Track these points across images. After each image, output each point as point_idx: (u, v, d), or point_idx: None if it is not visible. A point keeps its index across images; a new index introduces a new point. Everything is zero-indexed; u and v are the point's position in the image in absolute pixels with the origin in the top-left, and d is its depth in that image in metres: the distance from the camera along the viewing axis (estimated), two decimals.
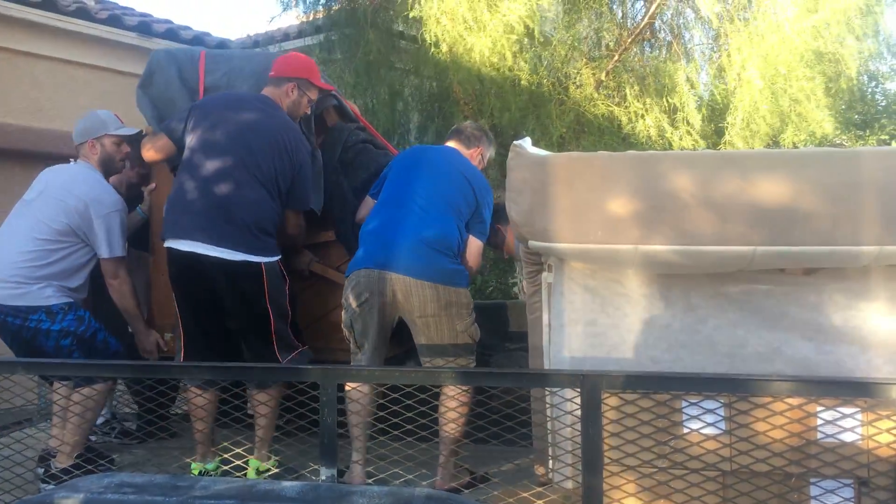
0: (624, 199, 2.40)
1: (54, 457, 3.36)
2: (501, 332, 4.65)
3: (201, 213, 3.21)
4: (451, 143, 3.65)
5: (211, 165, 3.26)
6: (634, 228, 2.39)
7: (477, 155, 3.64)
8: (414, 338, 3.27)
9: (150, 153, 3.55)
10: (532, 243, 2.51)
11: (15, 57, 6.56)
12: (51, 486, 3.16)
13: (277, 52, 4.65)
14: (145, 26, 7.28)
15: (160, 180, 3.94)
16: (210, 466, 3.28)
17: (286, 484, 2.44)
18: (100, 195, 3.55)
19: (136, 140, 3.80)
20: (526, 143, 2.61)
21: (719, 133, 7.10)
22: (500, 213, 3.88)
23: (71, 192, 3.51)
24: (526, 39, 6.77)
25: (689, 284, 2.58)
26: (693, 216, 2.35)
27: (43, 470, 3.35)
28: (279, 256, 3.33)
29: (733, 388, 2.19)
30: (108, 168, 3.75)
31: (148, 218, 3.97)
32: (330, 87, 3.80)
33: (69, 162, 3.74)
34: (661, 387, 2.26)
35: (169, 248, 3.27)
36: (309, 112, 3.68)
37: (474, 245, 3.42)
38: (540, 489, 2.50)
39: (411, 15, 6.81)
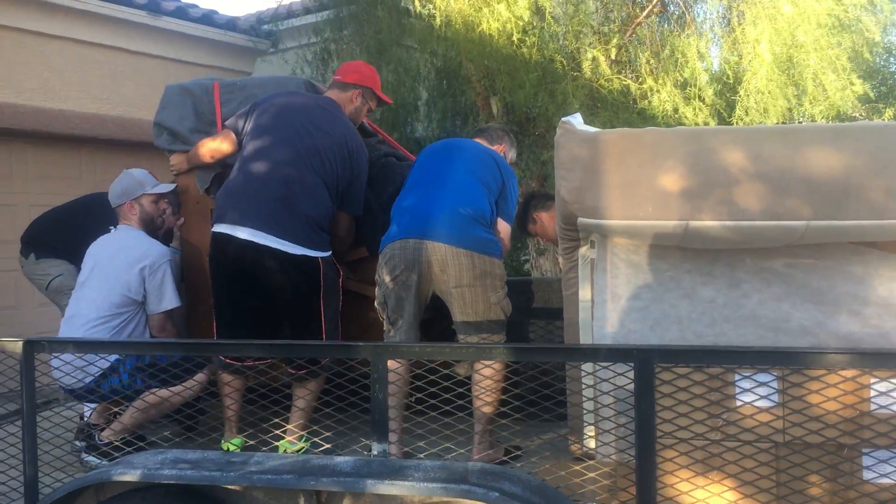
0: (674, 175, 2.41)
1: (97, 429, 3.37)
2: (525, 309, 4.68)
3: (264, 203, 3.22)
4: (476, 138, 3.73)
5: (276, 158, 3.27)
6: (685, 204, 2.41)
7: (500, 152, 3.70)
8: (451, 313, 3.30)
9: (214, 151, 3.55)
10: (581, 220, 2.52)
11: (25, 37, 6.51)
12: (99, 460, 3.20)
13: (288, 77, 4.61)
14: (154, 4, 7.23)
15: (189, 215, 3.90)
16: (236, 442, 3.31)
17: (340, 459, 2.47)
18: (146, 252, 3.55)
19: (172, 194, 3.84)
20: (575, 119, 2.61)
21: (732, 106, 7.11)
22: (537, 201, 3.89)
23: (119, 260, 3.52)
24: (535, 18, 6.76)
25: (733, 259, 2.60)
26: (744, 191, 2.37)
27: (84, 443, 3.38)
28: (331, 252, 3.36)
29: (788, 362, 2.21)
30: (148, 226, 3.75)
31: (180, 253, 3.93)
32: (388, 101, 3.84)
33: (109, 230, 3.73)
34: (714, 360, 2.28)
35: (221, 233, 3.26)
36: (365, 121, 3.73)
37: (504, 227, 3.44)
38: (591, 461, 2.53)
39: None
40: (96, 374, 3.33)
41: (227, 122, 3.57)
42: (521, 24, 6.49)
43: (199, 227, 3.78)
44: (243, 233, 3.20)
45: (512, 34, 6.56)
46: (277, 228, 3.19)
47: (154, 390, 3.24)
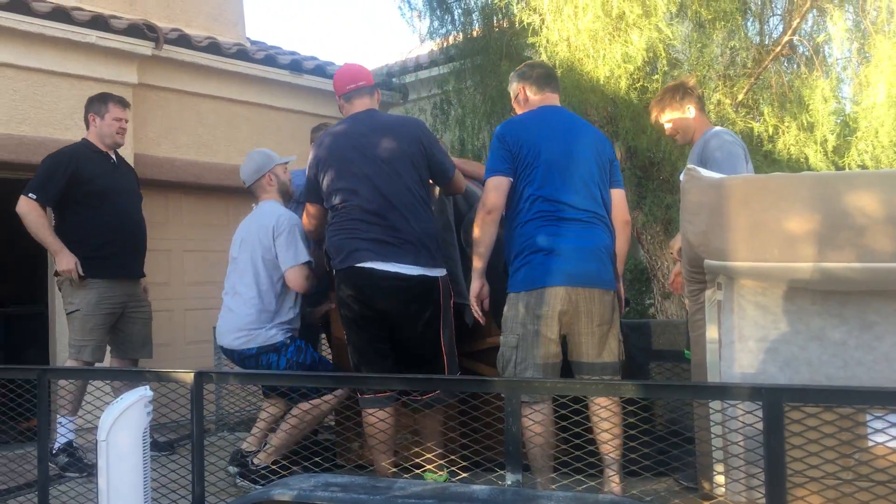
0: (801, 218, 2.48)
1: (252, 455, 3.68)
2: (647, 350, 4.73)
3: (373, 236, 3.41)
4: (550, 94, 3.55)
5: (364, 196, 3.45)
6: (812, 246, 2.47)
7: None
8: (574, 356, 3.32)
9: (313, 224, 3.79)
10: (708, 262, 2.62)
11: (183, 97, 7.15)
12: (256, 486, 3.48)
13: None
14: (296, 64, 7.78)
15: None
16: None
17: (476, 487, 2.62)
18: (278, 217, 3.90)
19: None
20: (699, 167, 2.73)
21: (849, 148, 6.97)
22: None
23: (258, 230, 3.91)
24: (650, 64, 6.84)
25: (864, 301, 2.62)
26: (872, 233, 2.41)
27: (237, 469, 3.69)
28: (446, 272, 3.56)
29: None
30: (285, 195, 4.15)
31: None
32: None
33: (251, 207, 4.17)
34: (844, 400, 2.31)
35: (341, 270, 3.47)
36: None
37: (619, 196, 3.46)
38: (720, 498, 2.58)
39: (530, 41, 7.01)
40: (259, 346, 3.76)
41: (304, 198, 3.81)
42: (630, 68, 6.58)
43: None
44: (362, 264, 3.40)
45: (636, 80, 6.66)
46: (392, 255, 3.38)
47: (301, 407, 3.57)
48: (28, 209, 4.28)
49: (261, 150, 4.21)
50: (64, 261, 4.27)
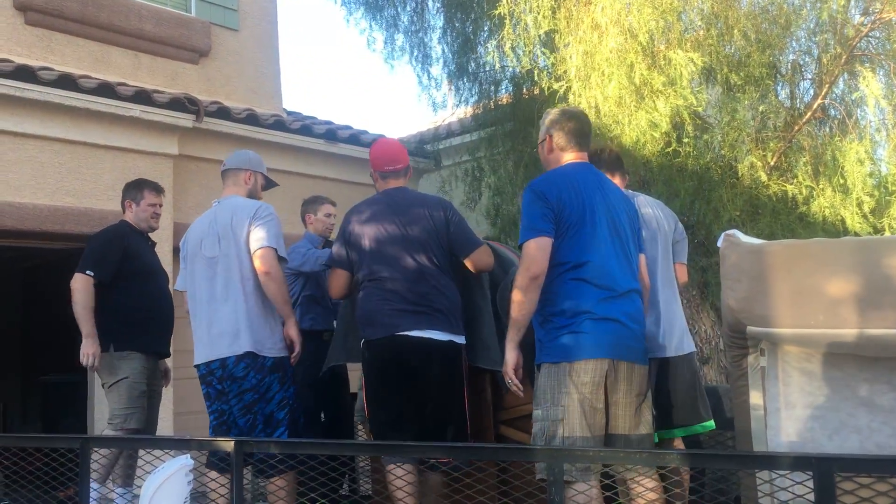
0: (845, 283, 2.46)
1: None
2: None
3: (406, 307, 3.53)
4: (581, 152, 3.27)
5: (396, 266, 3.58)
6: (857, 312, 2.45)
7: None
8: (609, 429, 3.07)
9: (342, 290, 3.80)
10: (751, 329, 2.60)
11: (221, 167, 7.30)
12: None
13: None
14: (331, 133, 7.94)
15: None
16: None
17: None
18: (258, 206, 3.88)
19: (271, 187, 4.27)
20: (737, 232, 2.73)
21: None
22: None
23: (239, 222, 3.81)
24: (678, 129, 6.88)
25: None
26: None
27: None
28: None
29: None
30: (251, 199, 4.05)
31: None
32: None
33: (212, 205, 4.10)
34: None
35: (376, 341, 3.55)
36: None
37: (643, 260, 3.29)
38: None
39: (558, 106, 7.07)
40: (274, 356, 3.78)
41: (330, 263, 3.86)
42: (657, 134, 6.62)
43: None
44: (401, 332, 3.50)
45: (667, 144, 6.70)
46: (425, 323, 3.50)
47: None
48: (80, 286, 4.36)
49: (258, 156, 4.28)
50: (91, 347, 4.31)
